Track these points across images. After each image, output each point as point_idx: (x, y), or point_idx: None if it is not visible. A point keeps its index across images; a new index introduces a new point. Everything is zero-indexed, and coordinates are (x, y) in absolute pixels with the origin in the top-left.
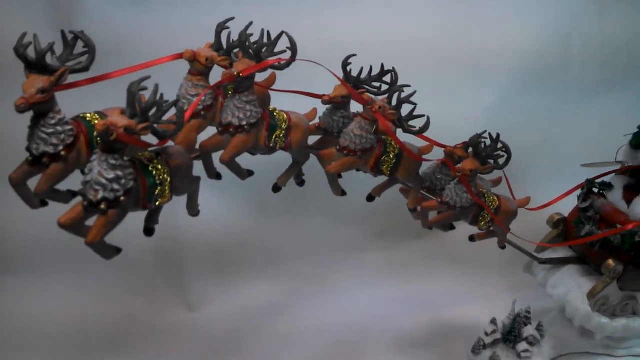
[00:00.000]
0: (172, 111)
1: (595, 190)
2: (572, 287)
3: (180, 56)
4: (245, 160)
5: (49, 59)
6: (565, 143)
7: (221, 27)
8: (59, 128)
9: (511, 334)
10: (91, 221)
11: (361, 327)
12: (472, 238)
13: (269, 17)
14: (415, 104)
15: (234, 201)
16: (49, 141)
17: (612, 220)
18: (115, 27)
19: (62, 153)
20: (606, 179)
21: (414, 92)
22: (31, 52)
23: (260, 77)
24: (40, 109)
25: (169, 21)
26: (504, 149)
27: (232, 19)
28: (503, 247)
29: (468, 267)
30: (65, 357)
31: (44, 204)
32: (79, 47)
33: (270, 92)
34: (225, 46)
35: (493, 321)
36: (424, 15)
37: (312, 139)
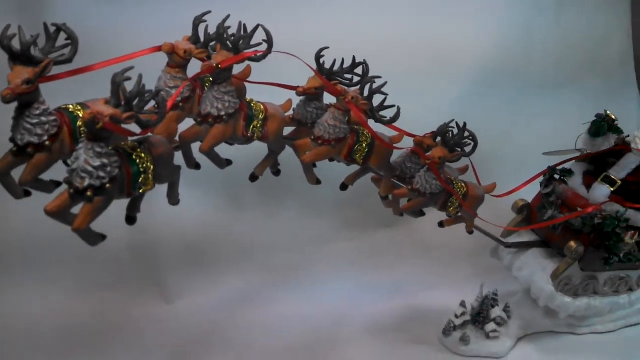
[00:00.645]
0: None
1: (557, 176)
2: (536, 269)
3: (159, 49)
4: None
5: (32, 51)
6: (528, 134)
7: (198, 20)
8: (43, 119)
9: (480, 316)
10: (76, 209)
11: (335, 315)
12: (441, 224)
13: (245, 11)
14: (386, 95)
15: (208, 195)
16: (34, 131)
17: (573, 204)
18: (88, 23)
19: (47, 143)
20: (567, 166)
21: (385, 83)
22: (16, 44)
23: (235, 70)
24: (26, 100)
25: (142, 16)
26: (470, 137)
27: (209, 12)
28: (471, 232)
29: (437, 254)
30: (42, 351)
31: (27, 194)
32: (61, 39)
33: (246, 84)
34: (202, 39)
35: (462, 304)
36: (394, 14)
37: (287, 130)
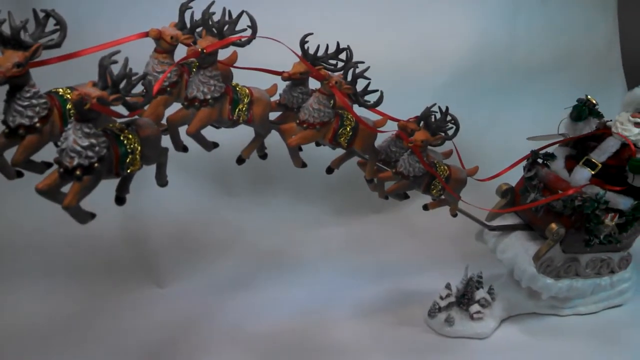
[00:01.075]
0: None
1: (540, 160)
2: (519, 251)
3: (146, 34)
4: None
5: (22, 35)
6: (514, 119)
7: (184, 6)
8: (34, 101)
9: (464, 297)
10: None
11: (324, 298)
12: (425, 207)
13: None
14: (369, 79)
15: (199, 181)
16: (25, 113)
17: (555, 187)
18: (80, 10)
19: (37, 125)
20: (551, 150)
21: (368, 68)
22: (6, 29)
23: (222, 56)
24: (16, 83)
25: (134, 4)
26: (452, 121)
27: None
28: (454, 215)
29: (425, 239)
30: (35, 335)
31: (19, 175)
32: (51, 25)
33: (232, 69)
34: (188, 25)
35: (447, 286)
36: (380, 4)
37: (274, 115)
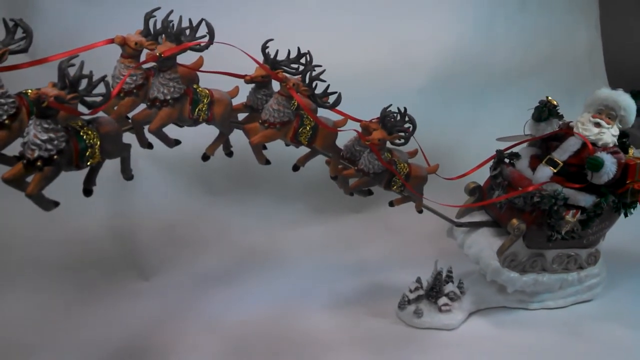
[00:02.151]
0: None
1: (507, 160)
2: (484, 246)
3: (111, 41)
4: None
5: None
6: (491, 122)
7: (149, 15)
8: (2, 100)
9: (433, 290)
10: None
11: (301, 291)
12: (391, 203)
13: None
14: (325, 81)
15: (183, 181)
16: None
17: (518, 185)
18: (67, 22)
19: (6, 122)
20: (517, 150)
21: (324, 71)
22: None
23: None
24: None
25: (116, 17)
26: (409, 121)
27: (158, 8)
28: (420, 211)
29: (401, 237)
30: (26, 324)
31: None
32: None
33: (199, 73)
34: (152, 32)
35: (418, 280)
36: (358, 10)
37: (243, 116)
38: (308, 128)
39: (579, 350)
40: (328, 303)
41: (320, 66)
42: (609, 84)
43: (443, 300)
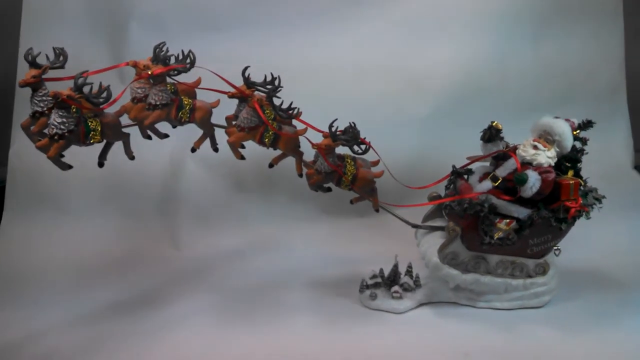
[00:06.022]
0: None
1: (465, 176)
2: (431, 245)
3: (127, 64)
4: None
5: (40, 60)
6: None
7: (157, 47)
8: (44, 98)
9: (389, 279)
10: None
11: (290, 269)
12: (351, 201)
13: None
14: (279, 97)
15: (218, 176)
16: (39, 104)
17: (464, 194)
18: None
19: (46, 112)
20: (473, 167)
21: (280, 89)
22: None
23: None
24: (34, 87)
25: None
26: (352, 132)
27: (164, 43)
28: (377, 210)
29: (395, 240)
30: (71, 283)
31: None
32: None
33: (197, 90)
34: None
35: (380, 271)
36: (372, 39)
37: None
38: (271, 133)
39: (506, 343)
40: (306, 282)
41: (282, 87)
42: (630, 123)
43: (395, 288)
